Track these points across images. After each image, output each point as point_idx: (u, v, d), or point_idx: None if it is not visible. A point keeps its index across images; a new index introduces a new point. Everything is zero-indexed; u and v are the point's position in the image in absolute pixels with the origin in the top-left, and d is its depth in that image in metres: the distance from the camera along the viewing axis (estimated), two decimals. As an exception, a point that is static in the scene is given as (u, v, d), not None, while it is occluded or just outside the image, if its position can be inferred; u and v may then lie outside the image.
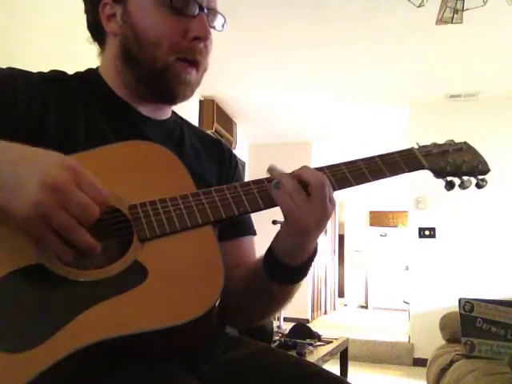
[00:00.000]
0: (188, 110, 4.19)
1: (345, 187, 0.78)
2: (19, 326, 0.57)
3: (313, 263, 0.77)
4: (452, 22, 2.41)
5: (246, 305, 0.86)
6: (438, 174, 0.85)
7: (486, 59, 3.82)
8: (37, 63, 0.87)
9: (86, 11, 0.87)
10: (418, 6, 2.33)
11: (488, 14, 2.75)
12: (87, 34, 0.88)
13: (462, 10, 2.36)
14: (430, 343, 3.34)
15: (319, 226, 0.73)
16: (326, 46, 3.69)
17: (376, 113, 5.12)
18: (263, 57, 3.92)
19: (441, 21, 2.43)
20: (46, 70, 0.84)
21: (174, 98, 0.85)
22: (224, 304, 0.80)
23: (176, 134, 0.92)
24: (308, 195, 0.71)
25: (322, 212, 0.72)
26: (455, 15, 2.38)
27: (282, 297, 0.82)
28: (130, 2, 0.82)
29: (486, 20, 3.13)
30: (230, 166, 0.97)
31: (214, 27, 0.86)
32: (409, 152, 0.84)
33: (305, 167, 0.75)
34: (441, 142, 0.88)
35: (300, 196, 0.71)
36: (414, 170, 0.83)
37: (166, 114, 0.92)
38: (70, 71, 0.87)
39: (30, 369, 0.52)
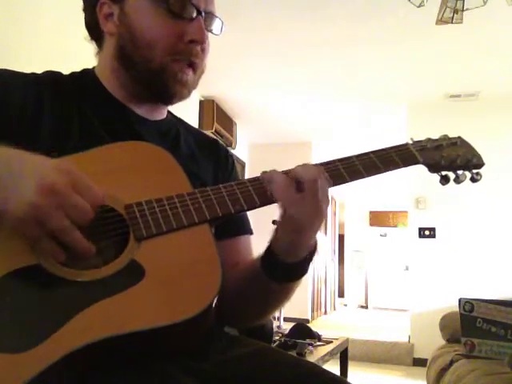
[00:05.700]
0: (188, 110, 4.18)
1: (340, 183, 0.78)
2: (16, 327, 0.57)
3: (312, 260, 0.77)
4: (452, 22, 2.40)
5: (245, 304, 0.85)
6: (433, 168, 0.84)
7: (486, 59, 3.82)
8: (37, 62, 0.86)
9: (84, 9, 0.87)
10: (418, 6, 2.33)
11: (488, 14, 2.75)
12: (85, 32, 0.88)
13: (462, 10, 2.36)
14: (430, 343, 3.33)
15: (313, 224, 0.72)
16: (326, 45, 3.69)
17: (376, 113, 5.12)
18: (263, 57, 3.92)
19: (441, 21, 2.43)
20: (46, 68, 0.84)
21: (171, 98, 0.85)
22: (222, 303, 0.80)
23: (171, 133, 0.91)
24: (301, 191, 0.71)
25: (316, 209, 0.72)
26: (455, 15, 2.37)
27: (282, 295, 0.82)
28: (128, 2, 0.82)
29: (486, 20, 3.13)
30: (226, 165, 0.97)
31: (211, 31, 0.86)
32: (403, 147, 0.84)
33: (301, 165, 0.75)
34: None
35: (290, 191, 0.71)
36: (408, 165, 0.83)
37: (161, 114, 0.91)
38: (71, 70, 0.87)
39: (27, 370, 0.52)
